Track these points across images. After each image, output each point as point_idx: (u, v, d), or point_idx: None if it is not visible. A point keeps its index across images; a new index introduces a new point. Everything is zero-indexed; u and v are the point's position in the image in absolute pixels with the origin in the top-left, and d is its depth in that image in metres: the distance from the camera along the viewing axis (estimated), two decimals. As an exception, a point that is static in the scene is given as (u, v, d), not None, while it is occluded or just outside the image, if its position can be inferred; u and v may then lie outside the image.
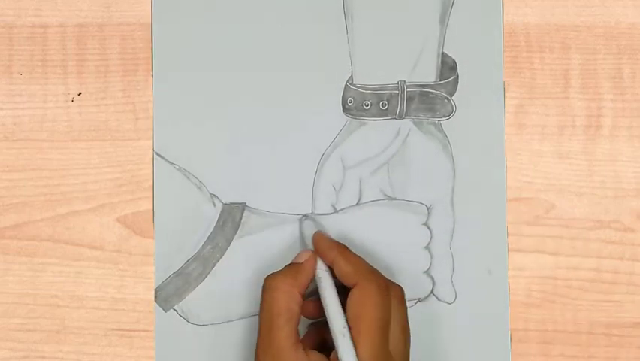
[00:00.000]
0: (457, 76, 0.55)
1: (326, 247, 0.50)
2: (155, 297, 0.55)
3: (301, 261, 0.50)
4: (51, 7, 0.57)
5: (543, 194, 0.55)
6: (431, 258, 0.55)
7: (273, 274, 0.49)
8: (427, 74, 0.55)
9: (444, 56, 0.56)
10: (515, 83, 0.56)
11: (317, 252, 0.51)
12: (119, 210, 0.56)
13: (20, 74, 0.56)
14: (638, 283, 0.55)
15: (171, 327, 0.55)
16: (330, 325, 0.47)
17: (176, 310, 0.55)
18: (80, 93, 0.56)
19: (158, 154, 0.56)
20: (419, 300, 0.55)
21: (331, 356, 0.47)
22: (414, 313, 0.54)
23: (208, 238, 0.55)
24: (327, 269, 0.50)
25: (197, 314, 0.55)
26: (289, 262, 0.51)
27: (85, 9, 0.57)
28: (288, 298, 0.48)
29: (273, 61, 0.56)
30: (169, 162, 0.56)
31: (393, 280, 0.50)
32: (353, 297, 0.47)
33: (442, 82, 0.55)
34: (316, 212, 0.55)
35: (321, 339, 0.51)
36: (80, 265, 0.55)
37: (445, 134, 0.55)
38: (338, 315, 0.47)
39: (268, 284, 0.49)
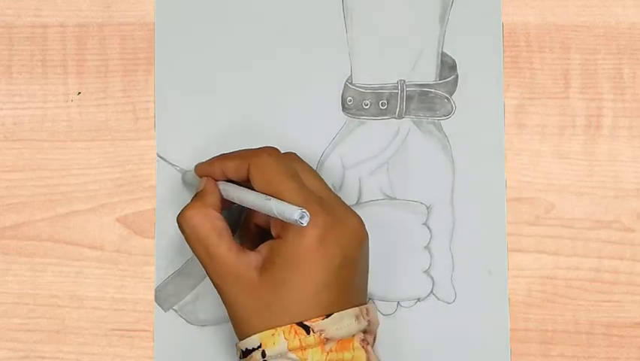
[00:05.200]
0: (457, 75, 0.55)
1: (208, 166, 0.51)
2: (155, 297, 0.55)
3: (201, 188, 0.51)
4: (51, 7, 0.57)
5: (543, 194, 0.55)
6: (431, 258, 0.55)
7: (181, 211, 0.49)
8: (427, 73, 0.55)
9: (443, 55, 0.56)
10: (515, 83, 0.56)
11: (207, 176, 0.51)
12: (119, 210, 0.56)
13: (20, 74, 0.57)
14: (638, 283, 0.55)
15: (171, 327, 0.55)
16: (256, 208, 0.47)
17: (176, 310, 0.55)
18: (79, 93, 0.56)
19: (159, 156, 0.56)
20: (419, 300, 0.55)
21: (272, 232, 0.48)
22: (414, 313, 0.55)
23: (208, 237, 0.55)
24: (226, 182, 0.50)
25: (197, 314, 0.55)
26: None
27: (85, 9, 0.57)
28: (206, 219, 0.48)
29: (273, 61, 0.56)
30: (170, 163, 0.56)
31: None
32: (253, 175, 0.48)
33: (441, 81, 0.55)
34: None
35: (258, 240, 0.50)
36: (80, 265, 0.55)
37: (445, 133, 0.55)
38: (257, 196, 0.47)
39: (182, 220, 0.49)
